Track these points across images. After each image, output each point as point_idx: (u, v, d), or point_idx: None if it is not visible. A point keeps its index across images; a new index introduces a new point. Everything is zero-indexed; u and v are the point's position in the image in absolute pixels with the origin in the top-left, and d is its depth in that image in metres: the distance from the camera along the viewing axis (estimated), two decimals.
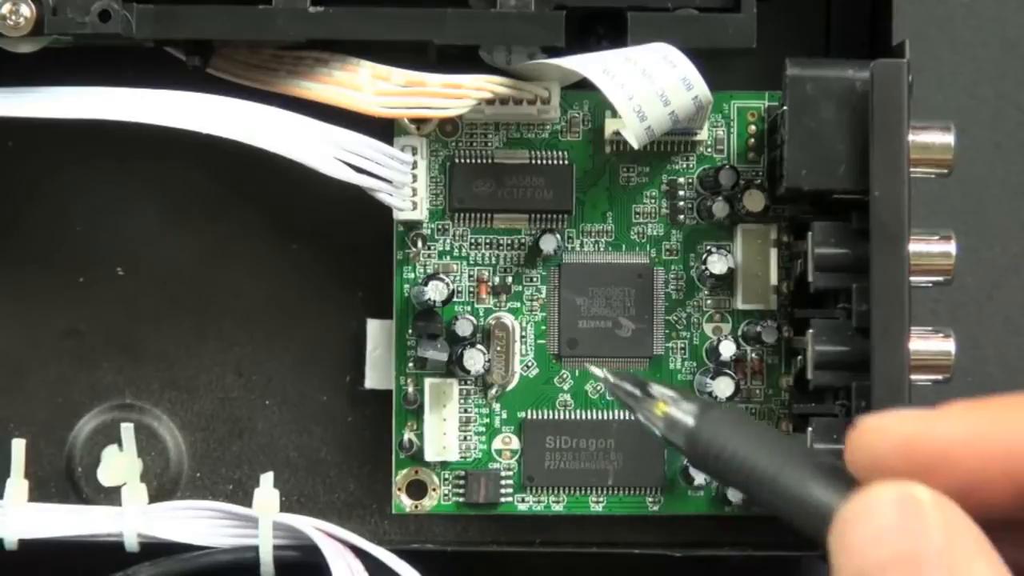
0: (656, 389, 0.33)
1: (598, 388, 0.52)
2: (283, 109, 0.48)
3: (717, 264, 0.51)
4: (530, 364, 0.52)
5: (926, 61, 0.57)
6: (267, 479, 0.51)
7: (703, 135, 0.52)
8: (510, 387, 0.52)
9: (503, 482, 0.52)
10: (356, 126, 0.49)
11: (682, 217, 0.52)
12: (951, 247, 0.48)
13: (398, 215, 0.51)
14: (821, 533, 0.29)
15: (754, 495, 0.32)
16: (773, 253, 0.51)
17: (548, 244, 0.51)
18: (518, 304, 0.52)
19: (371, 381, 0.53)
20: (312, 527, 0.50)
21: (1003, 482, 0.28)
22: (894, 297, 0.46)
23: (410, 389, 0.52)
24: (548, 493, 0.52)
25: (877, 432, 0.29)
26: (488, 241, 0.52)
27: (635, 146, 0.49)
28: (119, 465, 0.52)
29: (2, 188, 0.53)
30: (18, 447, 0.52)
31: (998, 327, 0.57)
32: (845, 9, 0.53)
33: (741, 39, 0.48)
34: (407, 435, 0.52)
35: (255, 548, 0.50)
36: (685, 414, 0.32)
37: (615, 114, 0.49)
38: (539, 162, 0.51)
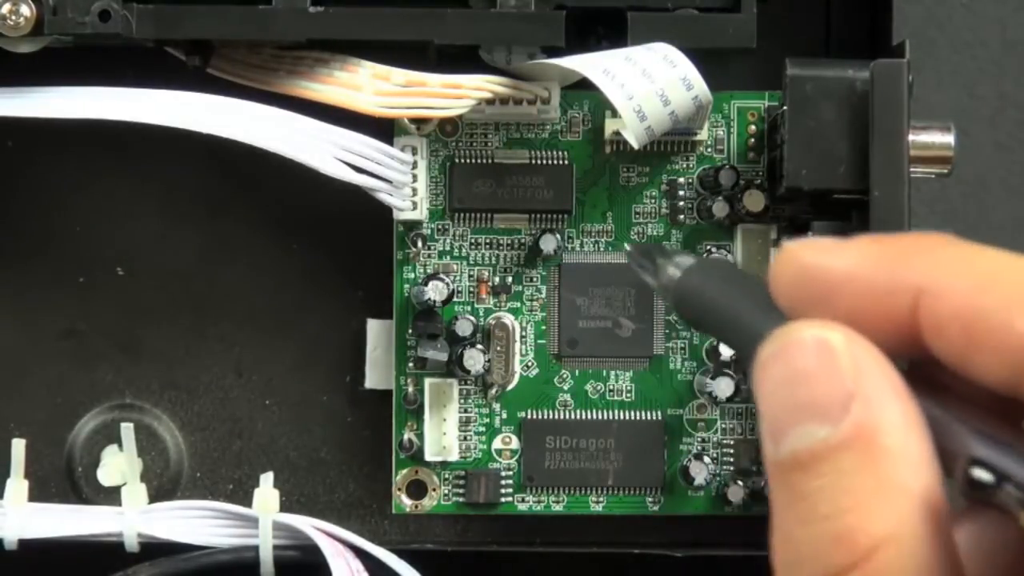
0: (662, 250, 0.33)
1: (598, 388, 0.52)
2: (283, 109, 0.48)
3: None
4: (530, 364, 0.52)
5: (926, 61, 0.57)
6: (267, 479, 0.51)
7: (703, 135, 0.52)
8: (510, 387, 0.52)
9: (503, 482, 0.52)
10: (356, 126, 0.49)
11: (682, 217, 0.52)
12: None
13: (398, 215, 0.51)
14: None
15: (724, 341, 0.31)
16: (773, 253, 0.51)
17: (548, 244, 0.51)
18: (518, 304, 0.52)
19: (371, 381, 0.53)
20: (312, 527, 0.50)
21: (891, 320, 0.28)
22: None
23: (410, 389, 0.52)
24: (548, 493, 0.52)
25: (786, 262, 0.29)
26: (488, 241, 0.52)
27: (635, 146, 0.49)
28: (119, 465, 0.52)
29: (2, 188, 0.53)
30: (18, 447, 0.52)
31: None
32: (845, 9, 0.53)
33: (741, 39, 0.48)
34: (407, 435, 0.52)
35: (255, 548, 0.50)
36: (676, 268, 0.32)
37: (615, 114, 0.49)
38: (539, 162, 0.51)
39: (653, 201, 0.52)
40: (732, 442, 0.52)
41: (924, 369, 0.28)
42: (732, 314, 0.30)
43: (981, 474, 0.26)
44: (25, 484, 0.51)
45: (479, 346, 0.51)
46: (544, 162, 0.51)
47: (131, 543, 0.51)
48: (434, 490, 0.52)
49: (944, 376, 0.28)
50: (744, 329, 0.29)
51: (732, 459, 0.52)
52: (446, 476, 0.52)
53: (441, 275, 0.51)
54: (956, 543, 0.27)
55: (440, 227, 0.52)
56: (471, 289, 0.52)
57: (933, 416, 0.27)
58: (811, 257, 0.29)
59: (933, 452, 0.27)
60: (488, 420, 0.52)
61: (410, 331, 0.52)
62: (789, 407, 0.28)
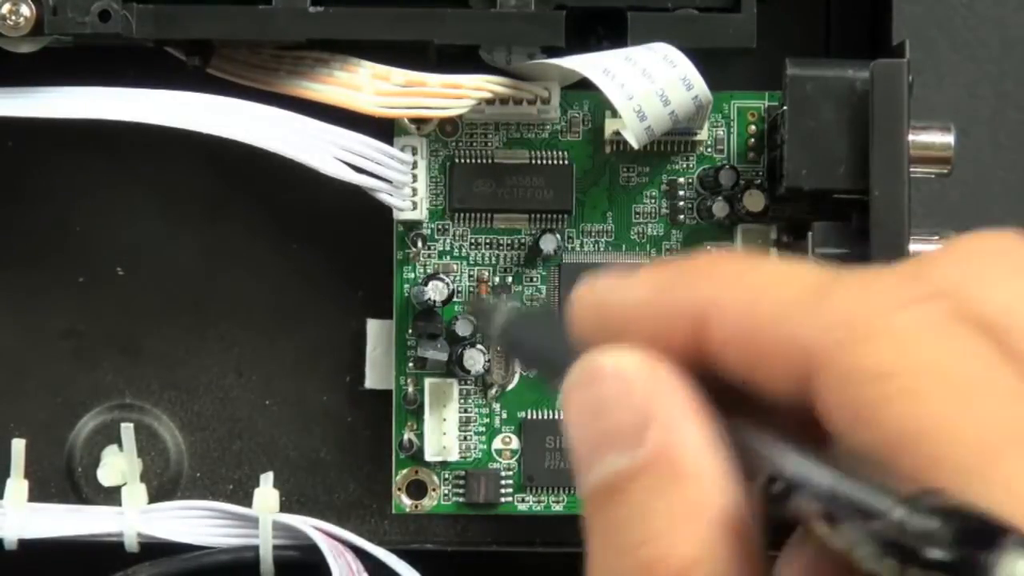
0: (492, 307, 0.34)
1: None
2: (283, 109, 0.48)
3: None
4: None
5: (926, 61, 0.57)
6: (267, 479, 0.51)
7: (703, 135, 0.52)
8: (510, 387, 0.52)
9: (503, 482, 0.52)
10: (356, 126, 0.49)
11: (682, 217, 0.52)
12: None
13: (398, 215, 0.51)
14: None
15: (548, 382, 0.32)
16: (773, 253, 0.51)
17: (548, 244, 0.51)
18: (518, 304, 0.52)
19: (371, 381, 0.53)
20: (312, 527, 0.50)
21: (681, 344, 0.27)
22: None
23: (410, 389, 0.52)
24: (548, 493, 0.52)
25: (580, 304, 0.29)
26: (488, 241, 0.52)
27: (635, 146, 0.49)
28: (119, 465, 0.52)
29: (2, 188, 0.53)
30: (18, 447, 0.52)
31: None
32: (845, 9, 0.53)
33: (741, 39, 0.48)
34: (407, 435, 0.52)
35: (255, 548, 0.50)
36: (499, 319, 0.33)
37: (615, 114, 0.49)
38: (539, 162, 0.51)
39: (653, 201, 0.52)
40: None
41: (723, 388, 0.27)
42: (544, 354, 0.31)
43: (775, 487, 0.26)
44: (25, 484, 0.51)
45: (479, 346, 0.51)
46: (544, 162, 0.51)
47: (131, 543, 0.51)
48: (434, 490, 0.52)
49: (741, 393, 0.27)
50: (553, 366, 0.30)
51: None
52: (446, 476, 0.52)
53: (441, 275, 0.51)
54: (763, 563, 0.26)
55: (440, 227, 0.52)
56: (471, 289, 0.52)
57: (734, 434, 0.27)
58: (601, 295, 0.29)
59: (734, 471, 0.26)
60: (488, 420, 0.52)
61: (410, 331, 0.52)
62: (592, 437, 0.27)
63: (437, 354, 0.51)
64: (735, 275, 0.27)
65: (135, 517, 0.51)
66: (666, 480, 0.26)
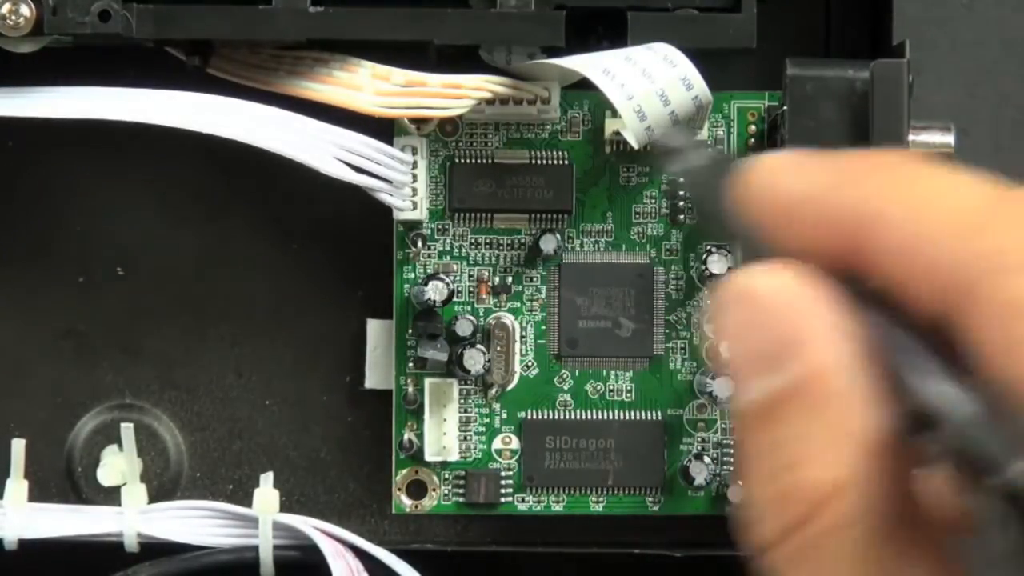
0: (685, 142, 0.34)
1: (598, 388, 0.52)
2: (283, 109, 0.48)
3: (717, 264, 0.51)
4: (530, 364, 0.52)
5: (926, 61, 0.57)
6: (267, 479, 0.51)
7: (703, 135, 0.52)
8: (510, 387, 0.52)
9: (503, 482, 0.52)
10: (356, 126, 0.49)
11: (682, 217, 0.52)
12: None
13: (398, 215, 0.51)
14: None
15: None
16: None
17: (548, 244, 0.51)
18: (518, 304, 0.52)
19: (371, 381, 0.53)
20: (312, 527, 0.50)
21: (841, 247, 0.27)
22: None
23: (410, 389, 0.52)
24: (548, 493, 0.52)
25: (754, 179, 0.29)
26: (488, 241, 0.52)
27: (635, 146, 0.49)
28: (119, 465, 0.52)
29: (2, 188, 0.53)
30: (18, 447, 0.52)
31: None
32: (845, 9, 0.53)
33: (741, 39, 0.48)
34: (407, 435, 0.52)
35: (255, 548, 0.50)
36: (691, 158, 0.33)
37: (615, 114, 0.49)
38: (539, 162, 0.51)
39: (653, 201, 0.52)
40: (732, 442, 0.52)
41: (873, 296, 0.27)
42: (717, 219, 0.30)
43: (915, 423, 0.26)
44: (25, 484, 0.51)
45: (479, 346, 0.51)
46: (544, 162, 0.51)
47: (131, 543, 0.51)
48: (434, 490, 0.52)
49: (890, 304, 0.27)
50: (719, 224, 0.30)
51: (732, 459, 0.52)
52: (446, 476, 0.52)
53: (441, 275, 0.51)
54: (913, 483, 0.27)
55: (440, 227, 0.52)
56: (471, 289, 0.52)
57: (883, 353, 0.27)
58: (773, 178, 0.29)
59: (883, 393, 0.26)
60: (488, 420, 0.52)
61: (410, 331, 0.52)
62: (747, 356, 0.27)
63: (437, 354, 0.51)
64: (905, 181, 0.27)
65: (135, 517, 0.51)
66: (816, 403, 0.26)
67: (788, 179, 0.28)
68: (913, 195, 0.27)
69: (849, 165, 0.28)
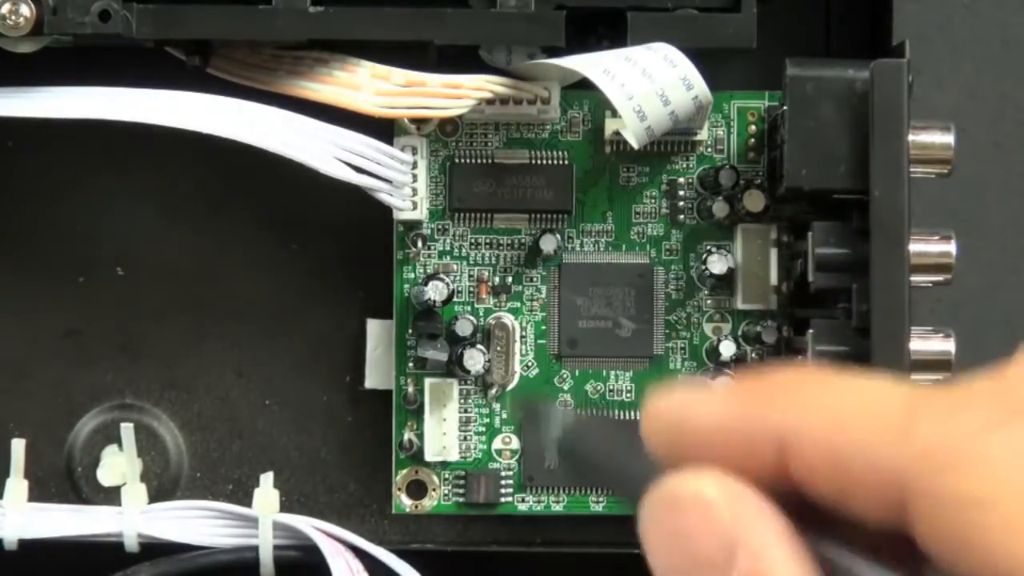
0: (543, 412, 0.33)
1: (598, 388, 0.52)
2: (283, 109, 0.48)
3: (717, 264, 0.51)
4: (530, 364, 0.52)
5: (926, 61, 0.57)
6: (267, 479, 0.51)
7: (703, 135, 0.52)
8: (510, 387, 0.52)
9: (503, 482, 0.52)
10: (356, 126, 0.49)
11: (682, 217, 0.52)
12: (951, 247, 0.48)
13: (398, 215, 0.51)
14: None
15: (615, 494, 0.31)
16: (773, 253, 0.51)
17: (548, 244, 0.51)
18: (518, 304, 0.52)
19: (371, 381, 0.53)
20: (312, 527, 0.50)
21: (763, 466, 0.27)
22: (894, 297, 0.46)
23: (410, 389, 0.52)
24: (548, 493, 0.52)
25: (655, 416, 0.29)
26: (488, 241, 0.52)
27: (635, 146, 0.49)
28: (119, 465, 0.52)
29: (2, 188, 0.53)
30: (18, 447, 0.52)
31: (998, 327, 0.57)
32: (845, 9, 0.53)
33: (741, 39, 0.48)
34: (407, 435, 0.52)
35: (255, 548, 0.50)
36: (556, 428, 0.32)
37: (615, 114, 0.49)
38: (539, 162, 0.51)
39: (653, 201, 0.52)
40: None
41: (808, 508, 0.27)
42: (614, 470, 0.30)
43: None
44: (25, 484, 0.51)
45: (479, 346, 0.51)
46: (544, 162, 0.51)
47: (131, 543, 0.51)
48: (434, 490, 0.52)
49: (827, 513, 0.27)
50: (626, 483, 0.29)
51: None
52: (446, 476, 0.52)
53: (441, 275, 0.51)
54: None
55: (440, 227, 0.52)
56: (471, 289, 0.52)
57: (824, 559, 0.26)
58: (678, 410, 0.28)
59: None
60: (488, 420, 0.52)
61: (410, 331, 0.52)
62: (676, 566, 0.27)
63: (437, 354, 0.51)
64: (818, 397, 0.27)
65: (135, 517, 0.51)
66: None
67: (695, 410, 0.28)
68: (831, 408, 0.26)
69: (758, 388, 0.28)
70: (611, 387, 0.52)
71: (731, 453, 0.27)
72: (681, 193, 0.52)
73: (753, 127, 0.52)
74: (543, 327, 0.52)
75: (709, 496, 0.27)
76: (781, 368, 0.28)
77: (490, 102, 0.50)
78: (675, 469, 0.27)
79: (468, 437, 0.52)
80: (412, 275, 0.52)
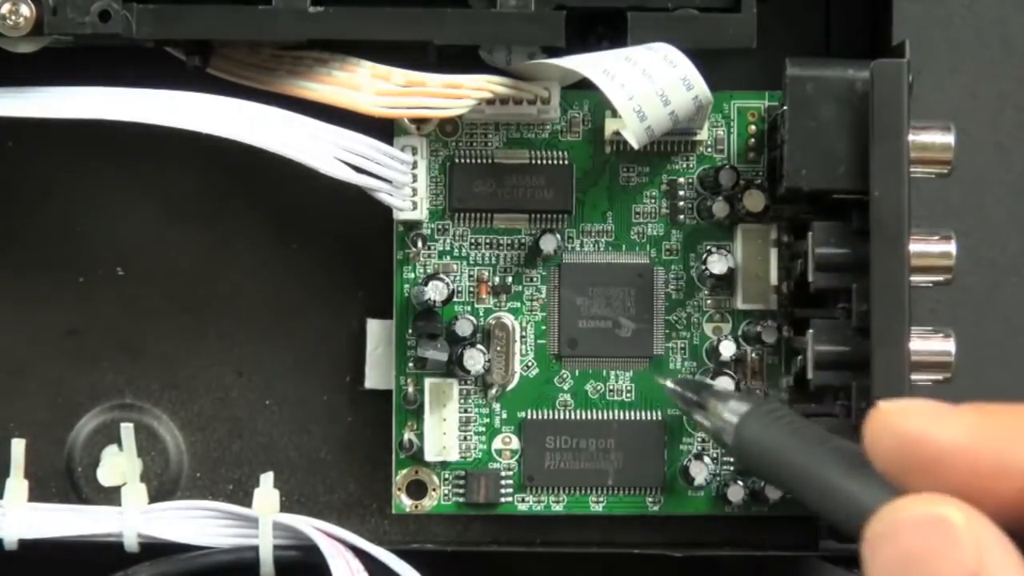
0: (712, 391, 0.32)
1: (598, 388, 0.52)
2: (283, 109, 0.48)
3: (717, 264, 0.51)
4: (530, 364, 0.52)
5: (926, 61, 0.57)
6: (267, 479, 0.51)
7: (703, 135, 0.52)
8: (510, 387, 0.52)
9: (503, 482, 0.52)
10: (356, 126, 0.49)
11: (682, 217, 0.52)
12: (951, 247, 0.48)
13: (398, 215, 0.51)
14: (858, 535, 0.28)
15: (794, 494, 0.30)
16: (773, 253, 0.51)
17: (548, 244, 0.51)
18: (518, 304, 0.52)
19: (371, 381, 0.53)
20: (312, 527, 0.50)
21: (1001, 499, 0.26)
22: (894, 297, 0.46)
23: (410, 389, 0.52)
24: (548, 493, 0.52)
25: (884, 427, 0.28)
26: (488, 241, 0.52)
27: (635, 146, 0.49)
28: (119, 465, 0.52)
29: (2, 188, 0.53)
30: (18, 447, 0.52)
31: (998, 327, 0.57)
32: (845, 9, 0.53)
33: (741, 39, 0.48)
34: (407, 435, 0.52)
35: (255, 548, 0.50)
36: (731, 413, 0.32)
37: (615, 114, 0.49)
38: (539, 162, 0.51)
39: (653, 201, 0.52)
40: None
41: None
42: (817, 476, 0.29)
43: None
44: (25, 484, 0.51)
45: (479, 346, 0.51)
46: (544, 162, 0.51)
47: (131, 543, 0.50)
48: (434, 490, 0.52)
49: None
50: (835, 495, 0.28)
51: (732, 459, 0.52)
52: (446, 476, 0.52)
53: (441, 275, 0.51)
54: None
55: (440, 227, 0.52)
56: (471, 289, 0.52)
57: None
58: (913, 425, 0.27)
59: None
60: (488, 420, 0.52)
61: (410, 331, 0.52)
62: None
63: (437, 354, 0.51)
64: None
65: (135, 517, 0.51)
66: None
67: (931, 428, 0.27)
68: None
69: (1004, 419, 0.27)
70: (611, 387, 0.52)
71: (971, 480, 0.26)
72: (681, 193, 0.52)
73: (753, 127, 0.52)
74: (543, 327, 0.52)
75: (956, 522, 0.26)
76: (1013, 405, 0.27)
77: (490, 102, 0.50)
78: (906, 490, 0.26)
79: (468, 437, 0.52)
80: (412, 275, 0.52)
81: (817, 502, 0.29)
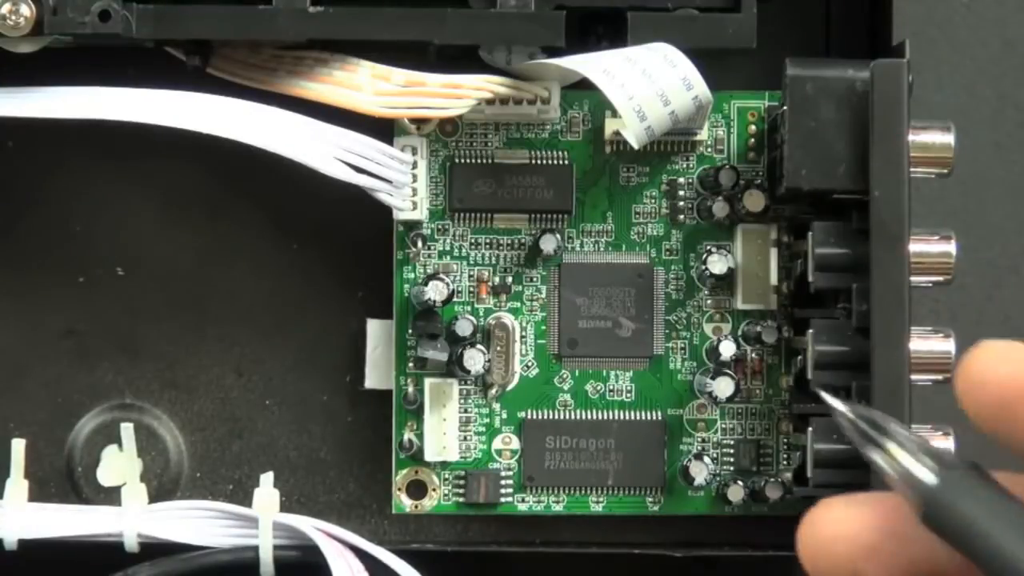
0: (896, 433, 0.31)
1: (598, 388, 0.52)
2: (283, 109, 0.48)
3: (717, 264, 0.51)
4: (530, 364, 0.52)
5: (926, 61, 0.57)
6: (267, 479, 0.51)
7: (703, 135, 0.52)
8: (510, 387, 0.52)
9: (503, 482, 0.52)
10: (356, 126, 0.49)
11: (682, 217, 0.52)
12: (951, 247, 0.48)
13: (398, 215, 0.51)
14: None
15: (993, 573, 0.29)
16: (773, 253, 0.51)
17: (548, 244, 0.51)
18: (518, 304, 0.52)
19: (371, 381, 0.53)
20: (312, 527, 0.50)
21: None
22: (894, 297, 0.46)
23: (410, 389, 0.52)
24: (548, 493, 0.52)
25: (975, 380, 0.27)
26: (488, 241, 0.52)
27: (635, 146, 0.49)
28: (119, 465, 0.52)
29: (2, 188, 0.53)
30: (18, 447, 0.52)
31: (998, 327, 0.57)
32: (845, 9, 0.53)
33: (741, 39, 0.48)
34: (407, 435, 0.52)
35: (255, 548, 0.50)
36: (926, 470, 0.30)
37: (615, 114, 0.49)
38: (539, 162, 0.51)
39: (653, 201, 0.52)
40: (732, 442, 0.52)
41: None
42: (1013, 559, 0.27)
43: None
44: (25, 484, 0.51)
45: (479, 346, 0.51)
46: (544, 162, 0.51)
47: (131, 543, 0.50)
48: (434, 490, 0.52)
49: None
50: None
51: (732, 459, 0.52)
52: (446, 476, 0.52)
53: (441, 275, 0.51)
54: None
55: (440, 227, 0.52)
56: (471, 289, 0.52)
57: None
58: (1013, 367, 0.26)
59: None
60: (488, 420, 0.52)
61: (410, 331, 0.52)
62: None
63: (437, 354, 0.51)
64: None
65: (135, 517, 0.51)
66: None
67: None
68: None
69: None
70: (611, 387, 0.52)
71: None
72: (681, 193, 0.52)
73: (753, 127, 0.52)
74: (543, 327, 0.52)
75: None
76: None
77: (490, 102, 0.50)
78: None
79: (468, 437, 0.52)
80: (412, 275, 0.52)
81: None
